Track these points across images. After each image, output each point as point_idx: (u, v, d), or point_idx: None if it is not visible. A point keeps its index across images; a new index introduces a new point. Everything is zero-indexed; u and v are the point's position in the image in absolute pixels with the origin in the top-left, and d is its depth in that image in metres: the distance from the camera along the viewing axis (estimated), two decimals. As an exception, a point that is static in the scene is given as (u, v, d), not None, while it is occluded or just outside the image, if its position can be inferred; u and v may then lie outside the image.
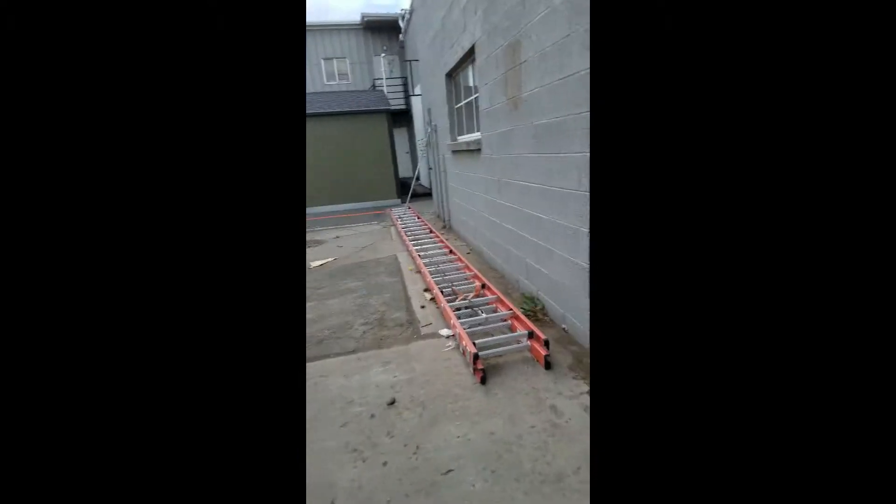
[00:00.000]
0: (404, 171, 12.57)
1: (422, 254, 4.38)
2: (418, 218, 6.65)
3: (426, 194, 9.27)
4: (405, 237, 5.33)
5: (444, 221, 6.29)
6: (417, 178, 12.49)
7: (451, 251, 4.39)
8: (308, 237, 6.39)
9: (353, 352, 2.57)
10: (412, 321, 2.93)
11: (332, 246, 5.71)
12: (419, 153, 9.30)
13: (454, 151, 5.18)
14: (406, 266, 4.34)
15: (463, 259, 4.04)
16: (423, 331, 2.77)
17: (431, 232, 5.50)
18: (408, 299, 3.35)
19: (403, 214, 7.10)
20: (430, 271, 3.76)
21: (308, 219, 8.24)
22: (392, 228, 6.50)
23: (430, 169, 7.41)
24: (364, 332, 2.82)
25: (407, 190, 8.75)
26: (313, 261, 5.00)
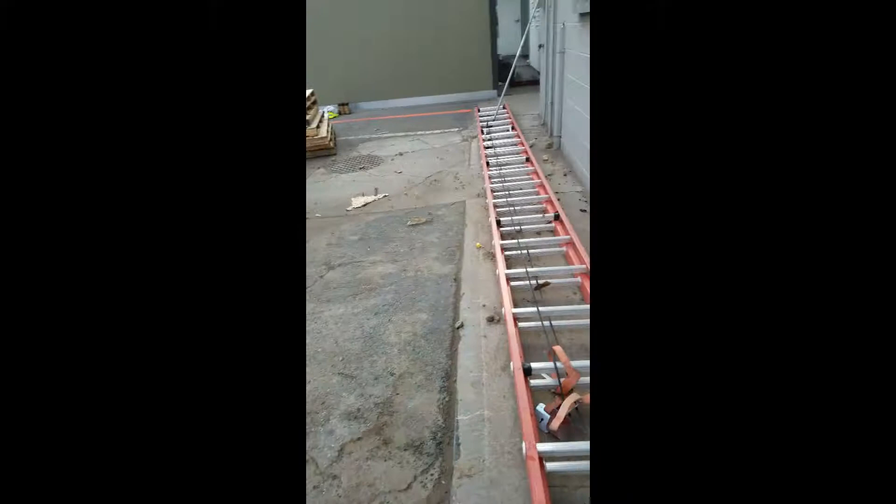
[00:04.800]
0: (511, 47, 10.10)
1: (504, 218, 2.75)
2: (513, 128, 4.74)
3: (533, 82, 6.93)
4: (486, 169, 3.66)
5: (550, 135, 4.37)
6: (526, 57, 10.03)
7: (556, 216, 2.66)
8: (364, 149, 5.02)
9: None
10: (444, 438, 1.49)
11: (389, 168, 4.28)
12: (531, 19, 6.94)
13: (584, 14, 2.99)
14: (473, 234, 2.78)
15: (578, 247, 2.30)
16: (459, 496, 1.31)
17: (528, 161, 3.71)
18: (453, 356, 1.84)
19: (493, 121, 5.18)
20: (511, 278, 2.16)
21: (373, 117, 6.76)
22: (474, 142, 4.83)
23: (539, 47, 5.29)
24: (334, 461, 1.45)
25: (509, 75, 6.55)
26: (356, 196, 3.69)
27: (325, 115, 5.44)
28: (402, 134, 5.52)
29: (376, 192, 3.75)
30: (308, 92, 5.07)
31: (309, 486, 1.36)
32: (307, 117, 4.67)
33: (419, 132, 5.52)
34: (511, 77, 5.34)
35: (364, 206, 3.55)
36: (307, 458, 1.45)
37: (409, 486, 1.32)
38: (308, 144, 4.76)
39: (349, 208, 3.50)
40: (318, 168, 4.54)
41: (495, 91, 6.99)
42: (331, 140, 4.97)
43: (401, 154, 4.70)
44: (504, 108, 5.51)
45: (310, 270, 2.59)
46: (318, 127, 4.85)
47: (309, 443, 1.49)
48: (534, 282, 2.09)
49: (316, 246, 2.90)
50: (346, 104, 7.14)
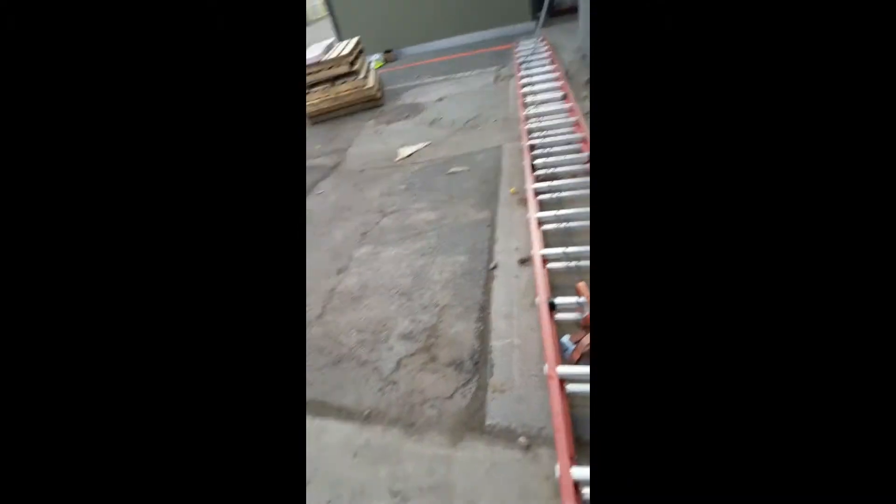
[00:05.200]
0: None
1: (539, 160, 2.88)
2: (552, 62, 4.64)
3: (575, 9, 6.59)
4: (522, 110, 3.71)
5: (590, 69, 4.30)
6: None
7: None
8: (408, 97, 5.16)
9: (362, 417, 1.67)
10: (480, 360, 1.79)
11: (430, 115, 4.44)
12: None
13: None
14: (508, 179, 2.96)
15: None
16: (492, 407, 1.63)
17: (565, 98, 3.71)
18: (488, 292, 2.11)
19: (531, 55, 5.06)
20: (542, 221, 2.35)
21: (415, 62, 6.77)
22: (512, 81, 4.78)
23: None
24: (393, 371, 1.83)
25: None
26: (402, 146, 3.92)
27: (372, 66, 5.57)
28: (442, 78, 5.56)
29: (419, 141, 3.96)
30: (354, 41, 5.20)
31: (374, 389, 1.75)
32: (355, 67, 4.87)
33: (458, 74, 5.54)
34: (550, 6, 5.14)
35: (409, 156, 3.78)
36: (372, 368, 1.84)
37: (451, 396, 1.66)
38: (357, 96, 4.98)
39: (396, 159, 3.75)
40: (369, 120, 4.78)
41: (534, 23, 6.72)
42: (378, 90, 5.13)
43: (441, 99, 4.81)
44: (543, 41, 5.36)
45: (367, 217, 2.96)
46: (365, 77, 5.03)
47: (374, 356, 1.89)
48: (563, 225, 2.29)
49: (370, 196, 3.24)
50: (391, 51, 7.18)
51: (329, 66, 4.79)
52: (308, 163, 4.21)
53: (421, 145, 3.89)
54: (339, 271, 2.52)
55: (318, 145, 4.55)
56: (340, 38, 6.93)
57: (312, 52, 5.01)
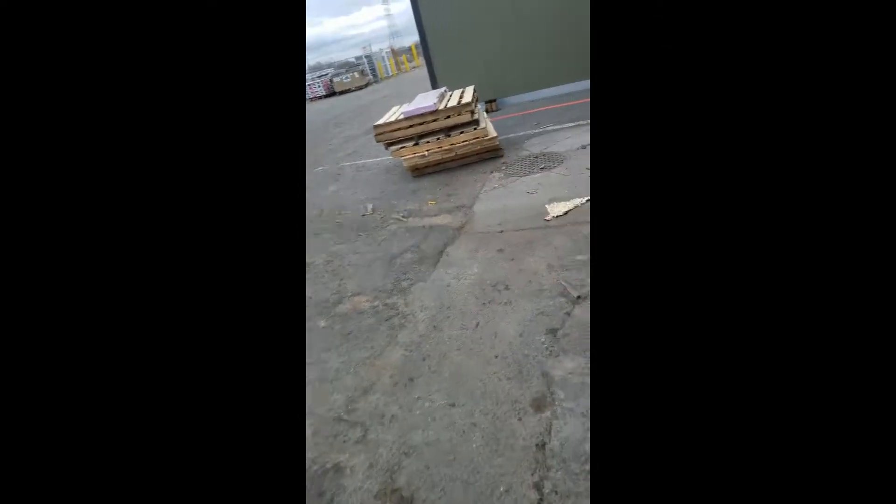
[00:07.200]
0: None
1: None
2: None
3: None
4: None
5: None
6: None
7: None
8: (533, 146, 4.35)
9: None
10: None
11: (577, 165, 3.53)
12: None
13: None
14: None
15: None
16: None
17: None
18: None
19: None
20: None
21: (526, 111, 6.05)
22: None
23: None
24: None
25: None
26: (550, 202, 3.07)
27: (485, 115, 4.99)
28: (572, 124, 4.70)
29: (572, 196, 3.11)
30: (470, 89, 4.56)
31: None
32: (476, 116, 4.22)
33: (582, 121, 4.75)
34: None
35: (565, 213, 2.97)
36: None
37: None
38: (476, 147, 4.22)
39: (547, 217, 2.92)
40: (491, 173, 3.96)
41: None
42: (498, 140, 4.47)
43: (584, 147, 3.91)
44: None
45: (543, 303, 1.99)
46: (485, 127, 4.30)
47: None
48: None
49: (533, 268, 2.30)
50: (494, 101, 6.60)
51: (447, 114, 4.15)
52: (423, 222, 3.45)
53: (579, 201, 3.05)
54: (538, 406, 1.48)
55: (431, 201, 3.81)
56: (436, 88, 6.57)
57: (424, 102, 4.46)
